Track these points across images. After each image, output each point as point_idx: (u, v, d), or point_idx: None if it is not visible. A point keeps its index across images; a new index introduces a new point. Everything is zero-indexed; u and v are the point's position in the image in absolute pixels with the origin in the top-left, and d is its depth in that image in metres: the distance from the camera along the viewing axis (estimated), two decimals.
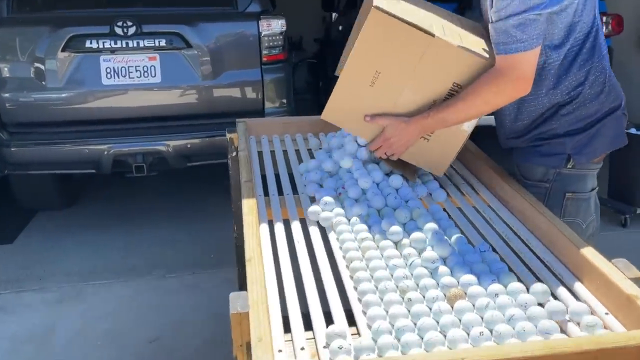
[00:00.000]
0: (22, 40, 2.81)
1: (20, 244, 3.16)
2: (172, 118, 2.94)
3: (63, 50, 2.77)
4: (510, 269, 1.17)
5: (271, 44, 2.95)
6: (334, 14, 5.72)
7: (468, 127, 1.44)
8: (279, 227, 1.35)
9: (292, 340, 0.98)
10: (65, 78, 2.81)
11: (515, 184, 1.43)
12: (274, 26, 2.95)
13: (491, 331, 0.98)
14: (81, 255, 2.99)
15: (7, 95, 2.81)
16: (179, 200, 3.77)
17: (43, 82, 2.82)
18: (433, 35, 1.30)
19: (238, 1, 3.01)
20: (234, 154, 1.88)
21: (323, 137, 1.91)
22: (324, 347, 0.97)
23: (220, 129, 2.93)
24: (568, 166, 1.41)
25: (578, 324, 0.99)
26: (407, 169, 1.54)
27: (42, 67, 2.79)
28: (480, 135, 1.65)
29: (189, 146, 2.91)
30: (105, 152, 2.82)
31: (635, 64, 4.43)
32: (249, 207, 1.37)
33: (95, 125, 2.89)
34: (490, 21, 1.29)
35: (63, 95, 2.85)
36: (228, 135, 1.85)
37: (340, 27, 5.05)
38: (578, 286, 1.10)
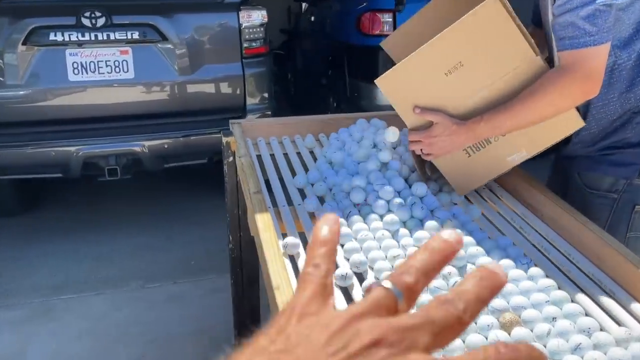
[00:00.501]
0: None
1: None
2: (147, 116, 2.73)
3: (24, 44, 2.51)
4: (559, 287, 1.08)
5: (252, 36, 2.78)
6: (303, 4, 5.57)
7: (516, 158, 1.32)
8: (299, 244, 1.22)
9: None
10: (27, 74, 2.56)
11: (547, 192, 1.35)
12: (254, 18, 2.77)
13: None
14: (49, 267, 2.76)
15: None
16: (152, 204, 3.54)
17: (1, 79, 2.56)
18: (537, 54, 1.19)
19: None
20: (230, 159, 1.72)
21: (323, 138, 1.79)
22: None
23: (199, 128, 2.77)
24: (636, 180, 1.30)
25: None
26: (422, 167, 1.43)
27: (1, 61, 2.53)
28: None
29: (166, 146, 2.71)
30: (74, 154, 2.59)
31: None
32: (265, 223, 1.22)
33: (62, 125, 2.65)
34: (553, 16, 1.18)
35: (25, 93, 2.60)
36: (224, 139, 1.69)
37: (313, 18, 4.90)
38: (635, 306, 1.02)
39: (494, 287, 0.28)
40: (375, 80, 1.29)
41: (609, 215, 1.33)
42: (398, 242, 1.20)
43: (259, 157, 1.68)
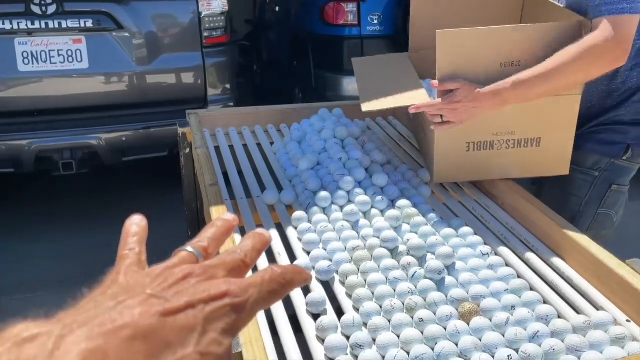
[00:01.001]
0: None
1: None
2: (104, 108, 2.62)
3: None
4: (519, 275, 1.08)
5: (212, 25, 2.70)
6: None
7: (504, 174, 1.35)
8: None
9: None
10: None
11: (509, 181, 1.34)
12: (214, 6, 2.69)
13: (517, 351, 0.87)
14: (1, 266, 2.64)
15: None
16: (113, 200, 3.42)
17: None
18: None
19: None
20: (187, 150, 1.67)
21: (284, 129, 1.75)
22: None
23: (158, 120, 2.68)
24: (623, 157, 1.33)
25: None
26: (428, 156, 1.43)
27: None
28: None
29: (124, 139, 2.62)
30: (26, 148, 2.48)
31: None
32: (219, 215, 1.17)
33: (12, 118, 2.52)
34: None
35: None
36: (180, 130, 1.63)
37: (277, 8, 4.83)
38: (593, 291, 1.02)
39: (263, 241, 0.41)
40: (437, 30, 1.21)
41: (588, 191, 1.34)
42: (358, 232, 1.18)
43: (217, 148, 1.63)
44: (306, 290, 1.02)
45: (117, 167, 2.86)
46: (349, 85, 3.41)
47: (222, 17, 2.73)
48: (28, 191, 3.51)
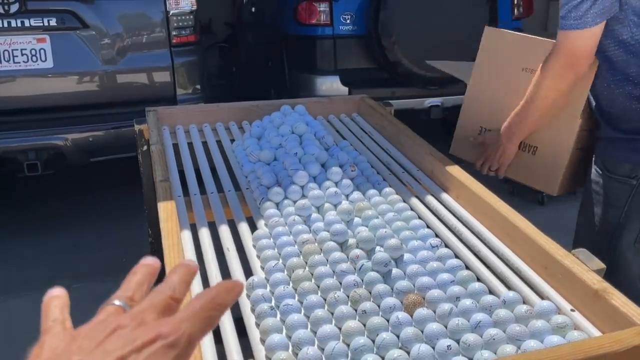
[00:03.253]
0: None
1: None
2: (70, 108, 2.59)
3: None
4: (467, 267, 1.07)
5: (181, 24, 2.68)
6: None
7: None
8: (204, 233, 1.16)
9: None
10: None
11: (463, 173, 1.34)
12: (182, 4, 2.67)
13: (458, 342, 0.87)
14: None
15: None
16: (79, 201, 3.38)
17: None
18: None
19: None
20: (144, 147, 1.64)
21: (247, 126, 1.73)
22: None
23: (126, 119, 2.64)
24: None
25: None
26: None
27: None
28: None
29: (91, 139, 2.58)
30: None
31: None
32: (167, 212, 1.17)
33: None
34: None
35: None
36: (137, 127, 1.61)
37: (253, 9, 4.82)
38: (539, 281, 1.02)
39: (189, 272, 0.42)
40: (486, 25, 1.54)
41: (627, 200, 1.32)
42: (309, 227, 1.17)
43: (175, 145, 1.61)
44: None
45: (85, 169, 2.82)
46: (322, 85, 3.41)
47: (191, 16, 2.72)
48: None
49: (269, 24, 4.19)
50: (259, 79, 4.46)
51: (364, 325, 0.90)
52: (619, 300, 0.91)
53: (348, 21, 3.38)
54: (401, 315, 0.91)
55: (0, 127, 2.47)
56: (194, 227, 1.24)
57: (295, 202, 1.25)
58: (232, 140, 1.66)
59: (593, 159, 1.42)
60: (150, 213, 1.73)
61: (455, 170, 1.35)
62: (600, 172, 1.39)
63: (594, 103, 1.39)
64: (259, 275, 1.03)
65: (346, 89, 3.35)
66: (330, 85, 3.40)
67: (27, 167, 2.48)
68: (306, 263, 1.06)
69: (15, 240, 2.86)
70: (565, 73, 1.30)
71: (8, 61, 2.43)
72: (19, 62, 2.45)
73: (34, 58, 2.46)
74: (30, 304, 2.48)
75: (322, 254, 1.08)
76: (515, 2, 3.68)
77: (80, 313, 1.98)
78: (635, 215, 1.33)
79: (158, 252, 1.81)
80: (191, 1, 2.69)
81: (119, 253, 2.72)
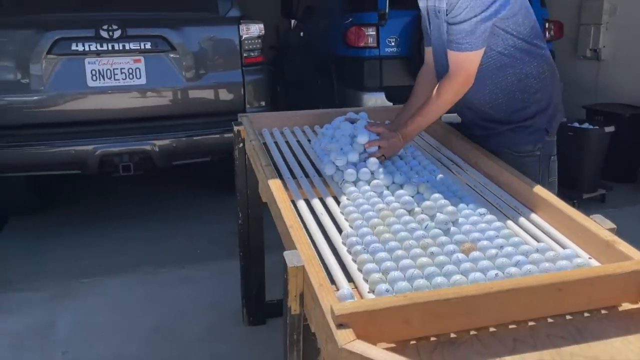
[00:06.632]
0: (7, 42, 2.82)
1: None
2: (157, 118, 3.02)
3: (49, 53, 2.81)
4: (508, 228, 1.40)
5: (251, 47, 3.10)
6: (292, 21, 5.92)
7: None
8: (302, 204, 1.52)
9: (337, 287, 1.15)
10: (50, 80, 2.85)
11: (498, 160, 1.67)
12: (253, 30, 3.10)
13: (503, 272, 1.19)
14: (64, 256, 3.02)
15: None
16: (157, 200, 3.85)
17: (29, 85, 2.84)
18: None
19: (219, 6, 3.15)
20: (241, 145, 2.03)
21: (318, 129, 2.10)
22: (368, 292, 1.15)
23: (203, 129, 3.07)
24: (547, 138, 1.71)
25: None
26: None
27: (27, 69, 2.82)
28: None
29: (174, 145, 3.00)
30: (92, 153, 2.88)
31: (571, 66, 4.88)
32: (276, 186, 1.52)
33: (82, 127, 2.93)
34: (447, 24, 1.62)
35: (49, 97, 2.88)
36: (235, 128, 2.00)
37: (302, 34, 5.26)
38: (563, 238, 1.34)
39: None
40: None
41: (539, 167, 1.68)
42: (382, 200, 1.51)
43: (263, 144, 1.98)
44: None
45: (163, 177, 3.23)
46: (369, 101, 3.78)
47: (259, 40, 3.14)
48: (79, 195, 3.93)
49: (318, 46, 4.60)
50: (306, 96, 4.86)
51: (433, 261, 1.24)
52: (625, 247, 1.22)
53: (393, 44, 3.75)
54: (460, 255, 1.24)
55: (101, 134, 2.92)
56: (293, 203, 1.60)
57: (368, 182, 1.60)
58: (309, 140, 2.02)
59: None
60: (241, 199, 2.11)
61: (494, 161, 1.68)
62: (510, 154, 1.76)
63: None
64: (349, 230, 1.37)
65: (391, 104, 3.70)
66: (376, 101, 3.77)
67: (122, 168, 2.92)
68: (383, 223, 1.40)
69: (101, 232, 3.29)
70: (464, 88, 1.66)
71: (110, 78, 2.88)
72: (119, 79, 2.90)
73: (131, 76, 2.91)
74: (126, 284, 2.88)
75: (395, 217, 1.42)
76: (547, 27, 4.00)
77: (170, 292, 2.55)
78: (544, 176, 1.74)
79: (245, 233, 2.18)
80: (259, 27, 3.12)
81: (193, 246, 3.13)
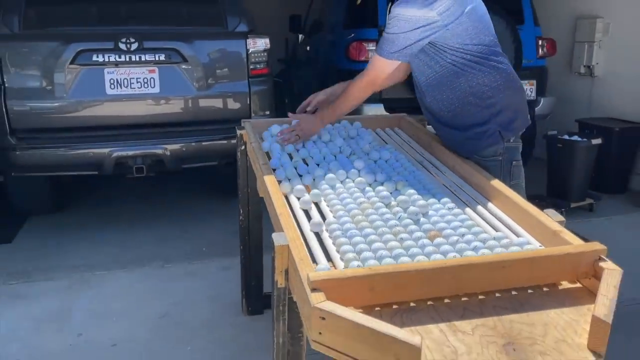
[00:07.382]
0: (33, 53, 3.08)
1: (19, 243, 3.38)
2: (169, 124, 3.27)
3: (71, 63, 3.06)
4: (472, 220, 1.59)
5: (257, 59, 3.34)
6: (300, 36, 6.18)
7: None
8: (293, 199, 1.72)
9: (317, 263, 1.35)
10: (72, 88, 3.10)
11: (472, 164, 1.87)
12: (259, 44, 3.34)
13: (461, 255, 1.39)
14: (80, 251, 3.25)
15: (19, 103, 3.08)
16: (166, 202, 4.10)
17: (52, 92, 3.10)
18: None
19: (228, 21, 3.40)
20: (243, 147, 2.24)
21: None
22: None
23: (211, 135, 3.31)
24: (506, 144, 1.88)
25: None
26: None
27: (52, 78, 3.08)
28: None
29: (184, 150, 3.24)
30: (108, 155, 3.12)
31: (566, 81, 5.07)
32: (271, 181, 1.73)
33: (99, 131, 3.18)
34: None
35: (70, 103, 3.14)
36: (238, 132, 2.22)
37: (308, 48, 5.50)
38: (520, 229, 1.53)
39: None
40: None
41: (500, 171, 1.85)
42: (364, 195, 1.71)
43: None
44: None
45: (171, 180, 3.46)
46: (369, 111, 3.99)
47: (265, 53, 3.38)
48: (90, 196, 4.17)
49: (323, 60, 4.84)
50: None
51: (407, 250, 1.43)
52: (570, 237, 1.41)
53: None
54: (426, 241, 1.44)
55: (116, 138, 3.17)
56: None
57: (353, 180, 1.80)
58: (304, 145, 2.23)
59: None
60: (242, 196, 2.32)
61: (470, 165, 1.88)
62: (476, 159, 1.93)
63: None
64: (331, 217, 1.57)
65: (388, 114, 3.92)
66: (375, 111, 3.98)
67: (135, 169, 3.15)
68: (362, 213, 1.60)
69: (114, 229, 3.53)
70: (367, 87, 1.90)
71: (127, 87, 3.13)
72: (135, 88, 3.15)
73: (146, 85, 3.15)
74: (136, 276, 3.15)
75: (373, 209, 1.62)
76: (540, 44, 4.21)
77: (176, 285, 2.83)
78: (506, 180, 1.85)
79: (246, 229, 2.39)
80: (265, 42, 3.36)
81: (200, 244, 3.34)
